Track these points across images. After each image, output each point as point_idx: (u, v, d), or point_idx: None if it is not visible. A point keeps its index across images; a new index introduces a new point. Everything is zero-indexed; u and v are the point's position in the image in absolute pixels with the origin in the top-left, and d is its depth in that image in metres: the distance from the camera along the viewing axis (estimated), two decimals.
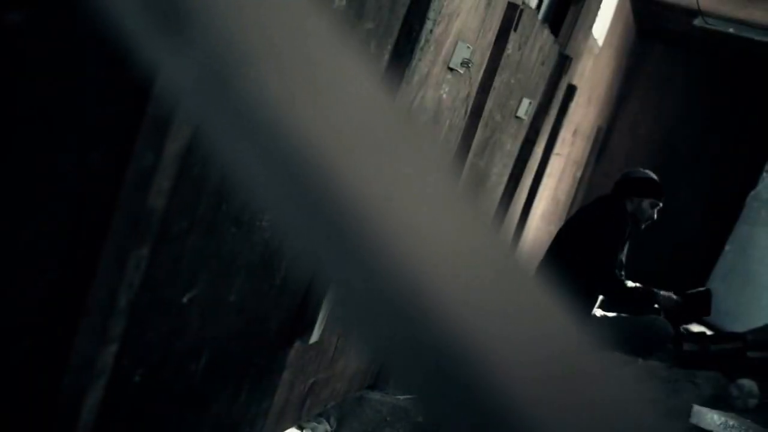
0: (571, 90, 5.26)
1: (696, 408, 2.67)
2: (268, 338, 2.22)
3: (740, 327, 5.74)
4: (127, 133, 1.26)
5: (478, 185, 3.78)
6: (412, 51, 2.21)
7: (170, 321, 1.70)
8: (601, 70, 6.83)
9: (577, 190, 8.08)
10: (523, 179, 4.64)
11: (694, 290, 4.60)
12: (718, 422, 2.62)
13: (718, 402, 3.28)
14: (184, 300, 1.69)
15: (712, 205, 8.81)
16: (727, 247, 7.53)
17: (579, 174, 8.02)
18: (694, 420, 2.66)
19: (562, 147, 6.14)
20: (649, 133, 9.18)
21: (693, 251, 8.61)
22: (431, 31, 2.29)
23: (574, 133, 6.59)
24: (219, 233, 1.70)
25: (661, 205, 4.31)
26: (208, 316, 1.82)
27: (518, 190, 4.66)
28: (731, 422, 2.61)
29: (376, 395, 3.18)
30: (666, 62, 9.09)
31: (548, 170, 5.74)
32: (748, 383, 3.20)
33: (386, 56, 2.18)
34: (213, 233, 1.67)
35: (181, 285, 1.67)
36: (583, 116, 6.79)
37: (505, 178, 4.34)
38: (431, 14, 2.22)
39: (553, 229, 6.05)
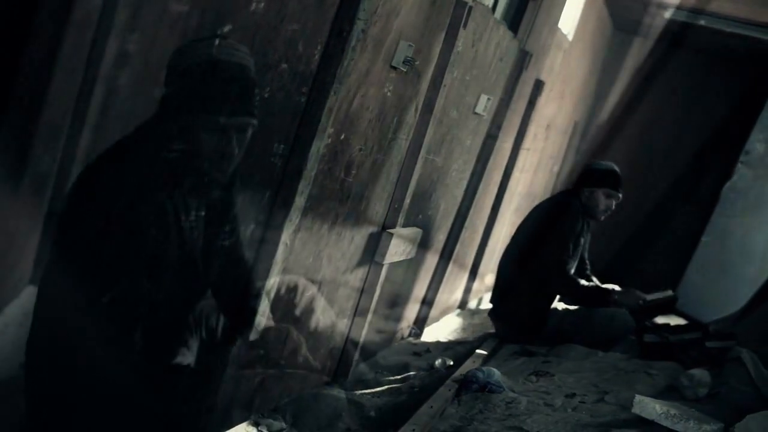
0: (539, 85, 5.29)
1: (638, 398, 2.69)
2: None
3: (716, 318, 5.76)
4: None
5: (436, 182, 3.80)
6: (343, 51, 2.24)
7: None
8: (573, 65, 6.86)
9: (555, 184, 8.11)
10: (487, 175, 4.65)
11: (659, 294, 4.47)
12: (660, 412, 2.65)
13: (671, 392, 3.31)
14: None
15: (690, 197, 8.85)
16: (704, 239, 7.58)
17: (556, 168, 8.05)
18: (636, 410, 2.68)
19: (534, 142, 6.16)
20: (627, 126, 9.21)
21: (671, 243, 8.65)
22: (363, 30, 2.32)
23: (547, 127, 6.61)
24: None
25: (619, 196, 4.16)
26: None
27: (483, 186, 4.67)
28: (672, 411, 2.64)
29: (332, 391, 3.21)
30: (643, 56, 9.12)
31: (519, 165, 5.76)
32: (699, 373, 3.23)
33: (316, 57, 2.20)
34: None
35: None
36: (556, 111, 6.82)
37: (468, 174, 4.36)
38: (362, 14, 2.24)
39: None
